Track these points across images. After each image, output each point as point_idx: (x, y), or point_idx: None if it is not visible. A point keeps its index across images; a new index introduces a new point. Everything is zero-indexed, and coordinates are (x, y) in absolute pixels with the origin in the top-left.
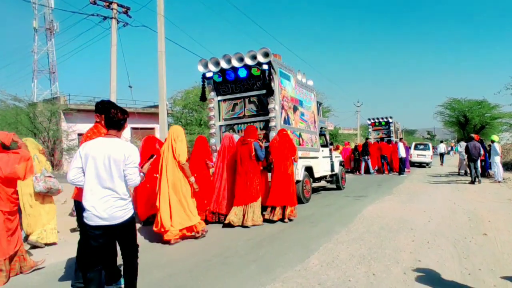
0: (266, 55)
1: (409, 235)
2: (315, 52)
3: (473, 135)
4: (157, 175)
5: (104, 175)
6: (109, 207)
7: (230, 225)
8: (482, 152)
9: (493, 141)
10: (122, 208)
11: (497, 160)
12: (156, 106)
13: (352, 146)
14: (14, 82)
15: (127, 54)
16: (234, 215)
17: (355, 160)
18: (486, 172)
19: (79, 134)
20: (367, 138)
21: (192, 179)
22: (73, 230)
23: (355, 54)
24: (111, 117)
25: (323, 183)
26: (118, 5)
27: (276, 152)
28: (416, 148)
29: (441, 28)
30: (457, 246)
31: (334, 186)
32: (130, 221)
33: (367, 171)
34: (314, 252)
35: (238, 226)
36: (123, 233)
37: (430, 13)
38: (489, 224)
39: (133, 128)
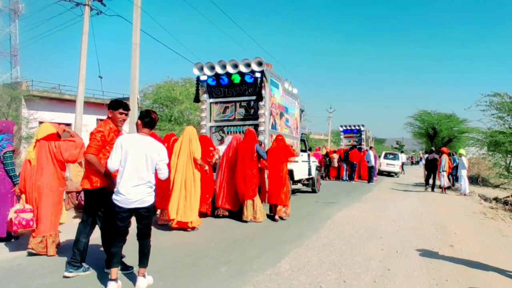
0: (259, 64)
1: (379, 243)
2: (288, 53)
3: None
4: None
5: (142, 168)
6: (142, 193)
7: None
8: (446, 163)
9: (461, 155)
10: (150, 194)
11: (463, 174)
12: (125, 99)
13: (324, 152)
14: None
15: (98, 43)
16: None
17: (326, 166)
18: (451, 184)
19: (41, 122)
20: (350, 146)
21: (206, 167)
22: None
23: (329, 59)
24: (152, 119)
25: (298, 186)
26: None
27: (271, 155)
28: (385, 157)
29: (413, 41)
30: (425, 256)
31: (309, 189)
32: (152, 205)
33: (337, 177)
34: (285, 257)
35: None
36: (146, 214)
37: (403, 25)
38: (455, 236)
39: (100, 120)
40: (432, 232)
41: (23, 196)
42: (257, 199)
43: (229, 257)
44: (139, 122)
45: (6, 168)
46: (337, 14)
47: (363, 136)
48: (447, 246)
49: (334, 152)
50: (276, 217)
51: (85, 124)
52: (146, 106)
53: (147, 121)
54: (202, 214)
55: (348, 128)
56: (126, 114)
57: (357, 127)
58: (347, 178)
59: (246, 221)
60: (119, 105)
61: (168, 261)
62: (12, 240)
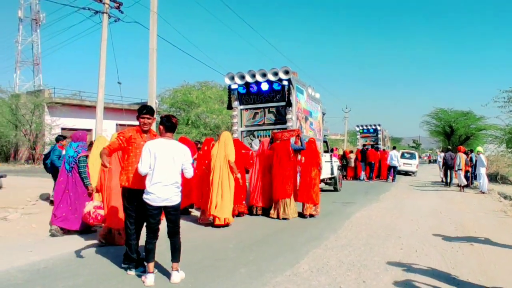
0: (286, 72)
1: (397, 243)
2: (303, 53)
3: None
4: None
5: (170, 169)
6: (170, 192)
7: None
8: (461, 162)
9: (479, 153)
10: (177, 194)
11: (482, 171)
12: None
13: (340, 152)
14: None
15: (117, 49)
16: (273, 209)
17: (343, 166)
18: (470, 182)
19: (63, 129)
20: (364, 146)
21: (239, 175)
22: None
23: (344, 59)
24: (173, 123)
25: (322, 185)
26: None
27: (303, 156)
28: (402, 156)
29: (429, 39)
30: (445, 256)
31: (331, 187)
32: (179, 204)
33: (355, 177)
34: (304, 258)
35: (275, 218)
36: (174, 212)
37: (418, 23)
38: (475, 235)
39: (119, 125)
40: (451, 231)
41: (96, 194)
42: (292, 197)
43: (247, 258)
44: (161, 127)
45: (79, 170)
46: (353, 11)
47: (380, 136)
48: (467, 245)
49: (351, 152)
50: (306, 213)
51: (105, 129)
52: (163, 110)
53: (169, 125)
54: (239, 214)
55: (365, 127)
56: (148, 118)
57: (373, 127)
58: (364, 178)
59: (278, 219)
60: (138, 110)
61: (187, 263)
62: (94, 230)
